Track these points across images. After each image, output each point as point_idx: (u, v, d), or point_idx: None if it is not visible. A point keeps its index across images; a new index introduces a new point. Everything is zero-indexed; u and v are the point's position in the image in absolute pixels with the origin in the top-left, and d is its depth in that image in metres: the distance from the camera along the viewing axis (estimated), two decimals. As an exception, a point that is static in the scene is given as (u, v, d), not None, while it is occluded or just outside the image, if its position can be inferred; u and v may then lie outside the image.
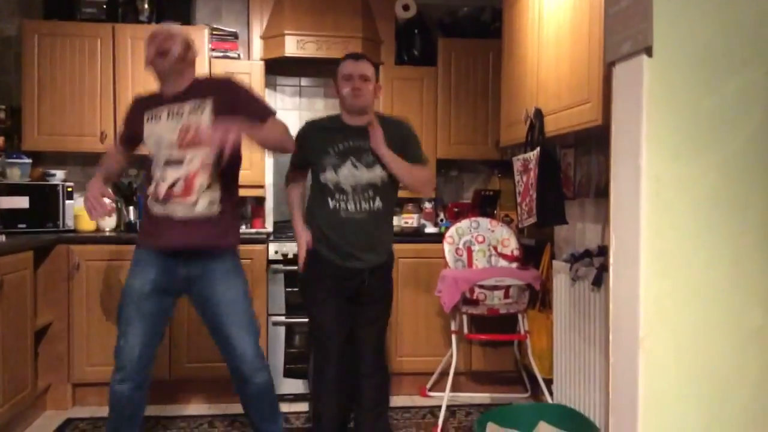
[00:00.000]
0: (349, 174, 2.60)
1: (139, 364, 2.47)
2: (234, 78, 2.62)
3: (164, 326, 2.62)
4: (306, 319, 2.92)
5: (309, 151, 2.69)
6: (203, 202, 2.46)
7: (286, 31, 3.87)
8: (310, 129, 2.76)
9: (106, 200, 2.53)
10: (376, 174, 2.62)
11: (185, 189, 2.44)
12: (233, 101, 2.47)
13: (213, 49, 3.94)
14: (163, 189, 2.45)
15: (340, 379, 2.71)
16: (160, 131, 2.49)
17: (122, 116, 2.72)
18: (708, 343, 1.76)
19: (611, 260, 1.90)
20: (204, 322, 2.60)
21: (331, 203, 2.63)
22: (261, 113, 2.48)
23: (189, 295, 2.59)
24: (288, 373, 3.63)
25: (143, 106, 2.58)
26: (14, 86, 3.92)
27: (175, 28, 2.53)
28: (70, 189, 3.72)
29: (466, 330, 3.35)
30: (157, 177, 2.49)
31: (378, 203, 2.64)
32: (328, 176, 2.62)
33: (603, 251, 2.74)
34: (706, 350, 1.75)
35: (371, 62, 2.68)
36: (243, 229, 4.13)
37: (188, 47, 2.51)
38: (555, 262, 3.11)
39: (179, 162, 2.45)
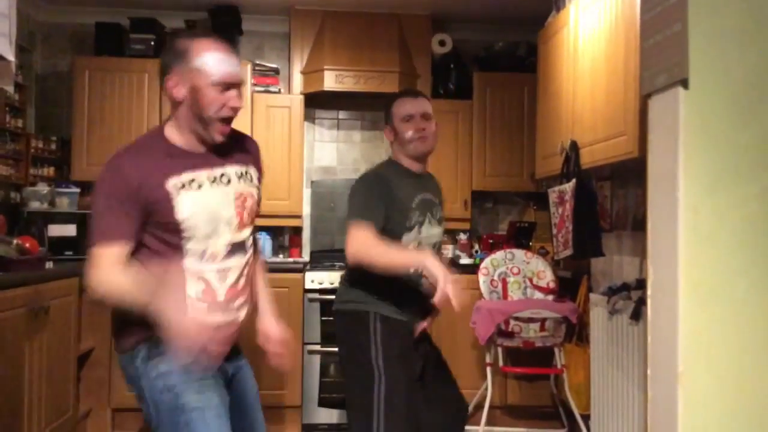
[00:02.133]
0: (428, 232, 2.26)
1: None
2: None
3: None
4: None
5: (392, 205, 2.18)
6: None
7: (326, 66, 3.97)
8: (387, 179, 2.25)
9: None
10: (442, 230, 2.37)
11: (246, 283, 1.78)
12: (260, 175, 1.89)
13: (255, 84, 4.07)
14: (223, 291, 1.70)
15: None
16: (213, 205, 1.69)
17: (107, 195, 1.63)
18: (749, 378, 1.71)
19: (649, 293, 1.88)
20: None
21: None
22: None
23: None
24: (322, 403, 3.64)
25: (158, 169, 1.65)
26: (65, 119, 4.10)
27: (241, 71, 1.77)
28: (115, 218, 3.84)
29: (501, 362, 3.32)
30: (210, 273, 1.68)
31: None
32: (412, 236, 2.22)
33: (641, 284, 2.70)
34: (748, 385, 1.71)
35: (428, 98, 2.39)
36: (280, 258, 4.20)
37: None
38: (592, 295, 3.08)
39: (242, 247, 1.75)
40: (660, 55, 1.83)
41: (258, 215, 1.85)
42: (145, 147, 1.71)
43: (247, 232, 1.77)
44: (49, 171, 3.99)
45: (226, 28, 4.10)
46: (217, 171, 1.72)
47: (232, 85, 1.67)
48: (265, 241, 4.14)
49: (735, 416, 1.71)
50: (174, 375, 1.63)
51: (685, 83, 1.71)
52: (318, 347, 3.68)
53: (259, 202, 1.85)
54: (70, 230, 3.70)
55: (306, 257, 4.29)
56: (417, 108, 2.29)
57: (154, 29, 4.01)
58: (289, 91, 4.19)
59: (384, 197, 2.18)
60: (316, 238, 4.34)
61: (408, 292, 2.24)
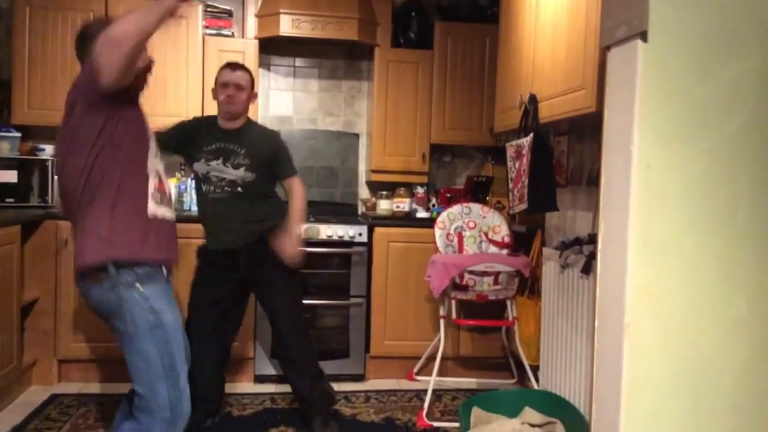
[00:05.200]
0: (217, 169, 2.86)
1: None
2: None
3: None
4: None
5: (184, 139, 2.90)
6: None
7: (282, 10, 3.83)
8: (192, 123, 3.00)
9: None
10: (240, 175, 2.86)
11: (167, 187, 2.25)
12: None
13: (207, 27, 3.90)
14: (168, 187, 2.22)
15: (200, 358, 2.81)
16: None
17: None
18: (693, 331, 1.76)
19: (599, 246, 1.90)
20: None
21: (203, 187, 2.90)
22: None
23: None
24: (275, 354, 3.63)
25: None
26: (4, 59, 3.88)
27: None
28: (59, 164, 3.69)
29: (454, 315, 3.35)
30: (160, 170, 2.17)
31: (239, 189, 2.88)
32: (200, 167, 2.87)
33: (593, 239, 2.73)
34: (691, 337, 1.75)
35: (249, 72, 2.93)
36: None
37: None
38: (545, 249, 3.11)
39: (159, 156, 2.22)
40: (620, 7, 1.80)
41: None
42: None
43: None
44: (-12, 114, 3.79)
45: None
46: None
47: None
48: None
49: (678, 367, 1.76)
50: (156, 300, 2.05)
51: (644, 36, 1.69)
52: (272, 299, 3.64)
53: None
54: (10, 176, 3.54)
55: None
56: (232, 78, 2.85)
57: (99, -36, 3.78)
58: (243, 35, 4.03)
59: (183, 130, 2.91)
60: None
61: (211, 216, 2.90)
